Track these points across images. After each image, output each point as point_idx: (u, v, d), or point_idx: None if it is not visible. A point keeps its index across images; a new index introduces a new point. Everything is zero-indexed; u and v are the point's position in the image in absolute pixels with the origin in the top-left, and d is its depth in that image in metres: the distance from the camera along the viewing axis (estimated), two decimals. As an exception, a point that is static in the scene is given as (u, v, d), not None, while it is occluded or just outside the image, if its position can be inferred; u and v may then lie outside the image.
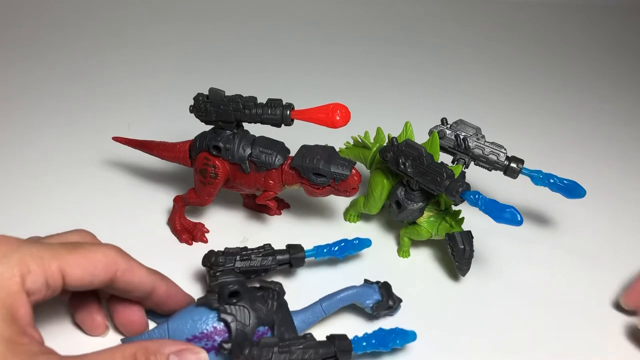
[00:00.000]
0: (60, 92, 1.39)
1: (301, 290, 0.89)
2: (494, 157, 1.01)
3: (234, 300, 0.74)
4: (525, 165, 1.03)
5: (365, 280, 0.87)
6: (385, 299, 0.83)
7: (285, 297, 0.79)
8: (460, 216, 0.93)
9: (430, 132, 1.03)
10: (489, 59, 1.81)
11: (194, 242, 0.98)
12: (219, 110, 0.89)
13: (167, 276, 0.78)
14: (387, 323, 0.85)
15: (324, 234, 0.99)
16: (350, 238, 0.92)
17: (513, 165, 1.01)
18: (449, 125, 1.03)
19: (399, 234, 1.00)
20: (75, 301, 0.77)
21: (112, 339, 0.80)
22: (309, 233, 0.92)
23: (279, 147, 0.92)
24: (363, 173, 1.00)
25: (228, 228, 1.02)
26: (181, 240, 0.98)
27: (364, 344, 0.75)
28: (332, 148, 0.92)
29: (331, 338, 0.73)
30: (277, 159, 0.91)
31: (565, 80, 1.72)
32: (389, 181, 0.97)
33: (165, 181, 1.11)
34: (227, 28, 1.81)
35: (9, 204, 1.03)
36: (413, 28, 1.97)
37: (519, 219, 0.82)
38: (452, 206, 0.95)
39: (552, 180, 1.01)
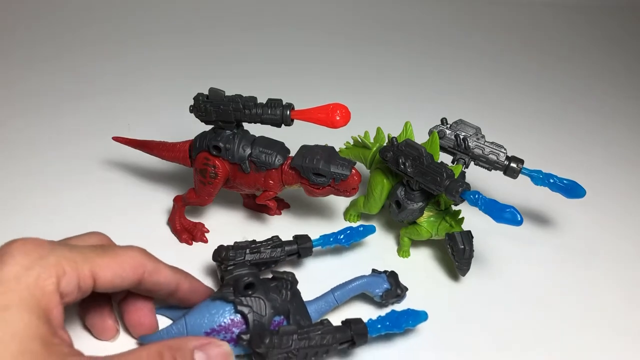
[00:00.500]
0: (60, 92, 1.39)
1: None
2: (494, 157, 1.01)
3: (249, 292, 0.76)
4: (525, 165, 1.03)
5: (373, 270, 0.89)
6: (394, 287, 0.86)
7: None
8: (460, 216, 0.93)
9: (430, 132, 1.03)
10: (489, 59, 1.81)
11: (194, 242, 0.98)
12: (219, 110, 0.89)
13: (188, 272, 0.79)
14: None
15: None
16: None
17: (513, 165, 1.01)
18: (449, 125, 1.03)
19: (399, 234, 1.00)
20: (86, 305, 0.78)
21: (123, 342, 0.80)
22: (309, 233, 0.92)
23: (279, 147, 0.92)
24: (363, 173, 1.00)
25: (228, 228, 1.02)
26: (181, 240, 0.98)
27: (379, 326, 0.77)
28: (332, 148, 0.92)
29: (347, 323, 0.76)
30: (277, 159, 0.91)
31: (565, 80, 1.72)
32: (389, 181, 0.97)
33: (165, 181, 1.11)
34: (227, 28, 1.81)
35: (9, 204, 1.03)
36: (413, 28, 1.97)
37: (519, 219, 0.82)
38: (452, 206, 0.95)
39: (552, 180, 1.01)
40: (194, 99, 0.91)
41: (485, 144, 1.01)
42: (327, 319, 0.76)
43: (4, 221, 0.99)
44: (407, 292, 0.89)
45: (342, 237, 0.92)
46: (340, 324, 0.76)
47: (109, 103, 1.36)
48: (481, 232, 1.01)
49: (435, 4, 2.13)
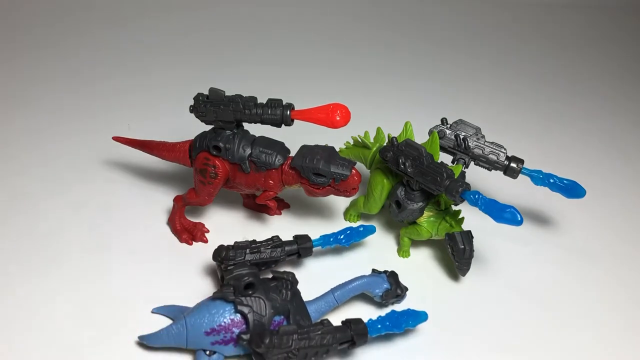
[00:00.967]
0: (59, 91, 1.39)
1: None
2: (494, 157, 1.01)
3: (250, 292, 0.76)
4: (525, 165, 1.03)
5: (373, 270, 0.89)
6: (394, 287, 0.86)
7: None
8: (460, 216, 0.93)
9: (430, 132, 1.03)
10: (489, 59, 1.81)
11: (193, 242, 0.98)
12: (219, 110, 0.89)
13: None
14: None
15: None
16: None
17: (513, 165, 1.01)
18: (449, 125, 1.03)
19: (399, 234, 1.00)
20: None
21: (123, 342, 0.80)
22: (309, 233, 0.92)
23: (279, 147, 0.92)
24: (363, 173, 1.00)
25: (228, 228, 1.02)
26: (181, 240, 0.98)
27: (379, 326, 0.77)
28: (332, 148, 0.92)
29: (347, 323, 0.76)
30: (277, 159, 0.91)
31: (565, 80, 1.72)
32: (389, 181, 0.97)
33: (165, 181, 1.11)
34: (227, 28, 1.81)
35: (9, 204, 1.03)
36: (413, 28, 1.97)
37: (519, 219, 0.82)
38: (452, 206, 0.95)
39: (552, 180, 1.01)
40: (194, 99, 0.91)
41: (485, 144, 1.01)
42: (327, 319, 0.76)
43: (4, 221, 0.99)
44: (407, 292, 0.89)
45: (342, 237, 0.92)
46: (340, 324, 0.76)
47: (109, 103, 1.36)
48: (481, 232, 1.01)
49: (436, 4, 2.13)
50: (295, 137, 1.00)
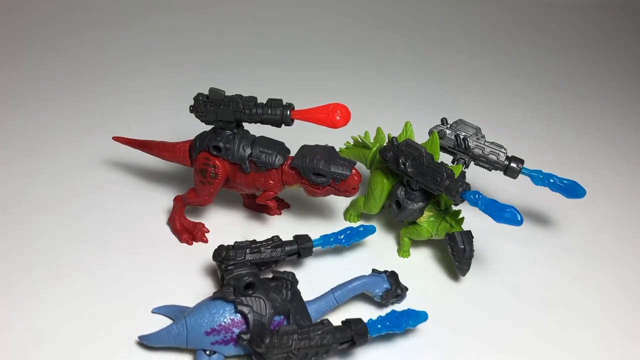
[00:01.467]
0: (59, 91, 1.39)
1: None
2: (494, 157, 1.01)
3: (250, 292, 0.76)
4: (525, 165, 1.03)
5: (373, 270, 0.89)
6: (394, 287, 0.86)
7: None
8: (460, 216, 0.93)
9: (430, 132, 1.03)
10: (489, 59, 1.81)
11: (194, 242, 0.98)
12: (219, 110, 0.89)
13: None
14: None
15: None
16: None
17: (513, 165, 1.01)
18: (449, 125, 1.03)
19: (399, 234, 1.00)
20: None
21: (123, 342, 0.80)
22: (309, 233, 0.92)
23: (279, 147, 0.92)
24: (363, 173, 1.00)
25: (228, 228, 1.02)
26: (181, 240, 0.98)
27: (379, 326, 0.77)
28: (332, 148, 0.92)
29: (347, 323, 0.76)
30: (277, 159, 0.91)
31: (565, 80, 1.72)
32: (389, 181, 0.97)
33: (165, 181, 1.11)
34: (227, 28, 1.81)
35: (9, 204, 1.03)
36: (413, 28, 1.97)
37: (519, 219, 0.82)
38: (452, 206, 0.95)
39: (552, 180, 1.01)
40: (194, 99, 0.91)
41: (485, 144, 1.01)
42: (327, 319, 0.76)
43: (4, 221, 0.99)
44: (407, 292, 0.89)
45: (342, 237, 0.92)
46: (340, 324, 0.76)
47: (109, 103, 1.36)
48: (481, 232, 1.01)
49: (436, 4, 2.13)
50: (295, 137, 1.00)
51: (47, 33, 1.66)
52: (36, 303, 0.84)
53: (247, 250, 0.85)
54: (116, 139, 1.04)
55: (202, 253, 0.94)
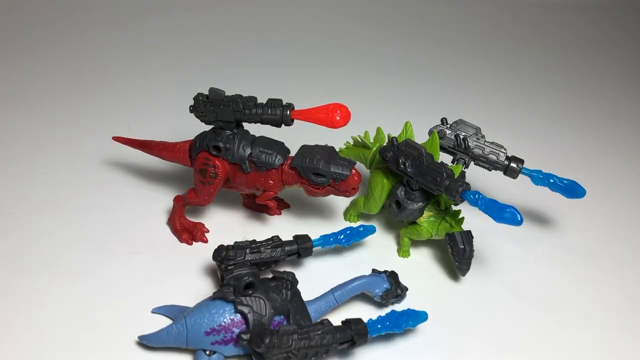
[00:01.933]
0: (59, 92, 1.39)
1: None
2: (494, 157, 1.01)
3: (250, 292, 0.76)
4: (525, 165, 1.03)
5: (373, 270, 0.89)
6: (394, 287, 0.86)
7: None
8: (460, 216, 0.93)
9: (430, 132, 1.03)
10: (489, 59, 1.81)
11: (193, 242, 0.98)
12: (219, 110, 0.89)
13: None
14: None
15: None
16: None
17: (513, 165, 1.01)
18: (449, 125, 1.03)
19: (399, 234, 1.00)
20: None
21: (122, 342, 0.80)
22: (309, 233, 0.92)
23: (279, 147, 0.92)
24: (363, 173, 1.00)
25: (228, 228, 1.02)
26: (181, 240, 0.98)
27: (379, 326, 0.77)
28: (332, 148, 0.92)
29: (347, 323, 0.76)
30: (277, 159, 0.91)
31: (565, 80, 1.72)
32: (389, 181, 0.97)
33: (165, 181, 1.11)
34: (227, 28, 1.81)
35: (9, 204, 1.03)
36: (413, 28, 1.97)
37: (519, 219, 0.82)
38: (452, 206, 0.95)
39: (552, 180, 1.01)
40: (194, 99, 0.91)
41: (485, 144, 1.01)
42: (327, 319, 0.76)
43: (4, 221, 0.99)
44: (407, 292, 0.89)
45: (342, 237, 0.92)
46: (340, 324, 0.76)
47: (109, 103, 1.36)
48: (481, 232, 1.01)
49: (436, 4, 2.13)
50: (295, 137, 1.00)
51: (47, 33, 1.66)
52: (36, 303, 0.84)
53: (247, 250, 0.85)
54: (116, 139, 1.04)
55: (202, 253, 0.94)
